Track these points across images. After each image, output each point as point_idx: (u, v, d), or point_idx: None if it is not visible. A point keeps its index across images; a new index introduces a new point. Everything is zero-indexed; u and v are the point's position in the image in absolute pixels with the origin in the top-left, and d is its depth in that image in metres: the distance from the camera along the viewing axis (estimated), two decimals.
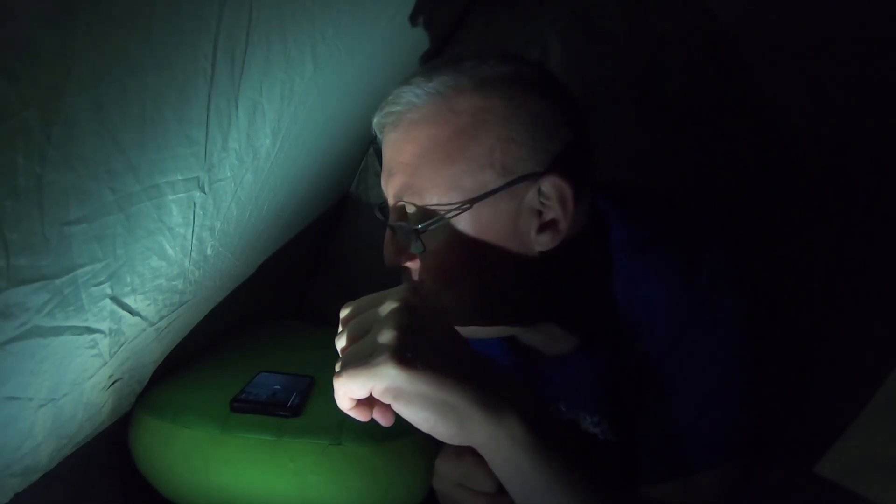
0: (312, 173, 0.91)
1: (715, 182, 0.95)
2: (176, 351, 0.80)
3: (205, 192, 0.58)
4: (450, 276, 0.51)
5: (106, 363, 0.60)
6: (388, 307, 0.41)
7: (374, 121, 0.55)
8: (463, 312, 0.52)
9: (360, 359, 0.38)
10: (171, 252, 0.59)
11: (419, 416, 0.39)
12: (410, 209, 0.51)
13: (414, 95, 0.51)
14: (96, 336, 0.55)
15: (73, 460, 0.65)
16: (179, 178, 0.52)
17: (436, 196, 0.50)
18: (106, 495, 0.75)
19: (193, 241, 0.62)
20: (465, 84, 0.50)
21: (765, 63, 0.86)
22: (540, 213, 0.51)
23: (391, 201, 0.54)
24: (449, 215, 0.49)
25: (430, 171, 0.50)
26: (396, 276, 0.57)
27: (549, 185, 0.50)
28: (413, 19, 0.85)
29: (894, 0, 0.65)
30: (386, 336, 0.38)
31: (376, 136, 0.57)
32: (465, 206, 0.49)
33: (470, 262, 0.51)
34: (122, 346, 0.61)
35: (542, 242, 0.51)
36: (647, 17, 0.95)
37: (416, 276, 0.54)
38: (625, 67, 0.98)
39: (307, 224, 1.10)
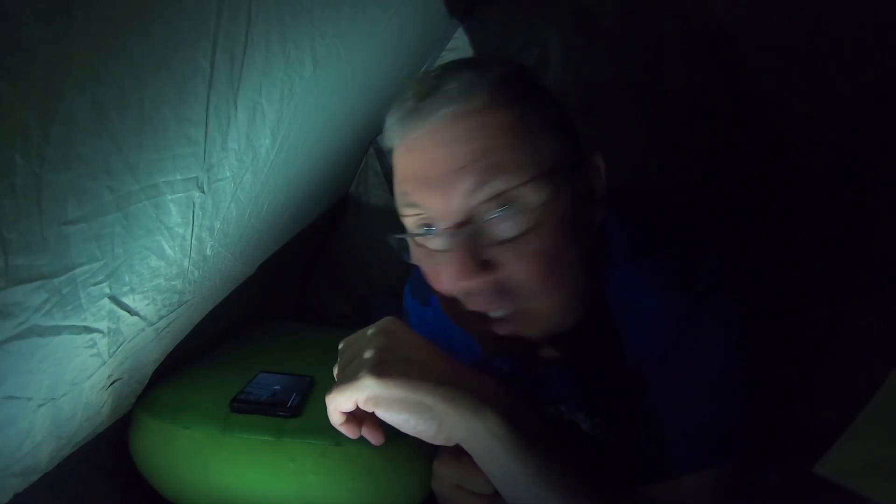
0: (312, 173, 0.91)
1: (714, 182, 0.95)
2: (176, 351, 0.80)
3: (204, 192, 0.58)
4: (552, 263, 0.48)
5: (105, 363, 0.60)
6: (369, 334, 0.49)
7: (398, 123, 0.50)
8: (555, 310, 0.50)
9: (347, 378, 0.46)
10: (170, 252, 0.59)
11: (400, 419, 0.45)
12: (506, 192, 0.46)
13: (468, 86, 0.48)
14: (95, 335, 0.55)
15: (72, 461, 0.65)
16: (178, 177, 0.52)
17: (531, 171, 0.46)
18: (106, 496, 0.74)
19: (193, 241, 0.62)
20: (512, 74, 0.51)
21: (764, 63, 0.86)
22: (591, 190, 0.53)
23: (465, 201, 0.46)
24: (554, 186, 0.47)
25: (521, 146, 0.47)
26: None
27: (595, 160, 0.53)
28: (413, 19, 0.85)
29: (894, 0, 0.65)
30: (365, 355, 0.46)
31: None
32: (563, 177, 0.48)
33: (569, 242, 0.49)
34: (121, 345, 0.61)
35: (599, 215, 0.53)
36: (647, 17, 0.96)
37: (496, 289, 0.48)
38: (624, 67, 0.98)
39: (307, 224, 1.10)
